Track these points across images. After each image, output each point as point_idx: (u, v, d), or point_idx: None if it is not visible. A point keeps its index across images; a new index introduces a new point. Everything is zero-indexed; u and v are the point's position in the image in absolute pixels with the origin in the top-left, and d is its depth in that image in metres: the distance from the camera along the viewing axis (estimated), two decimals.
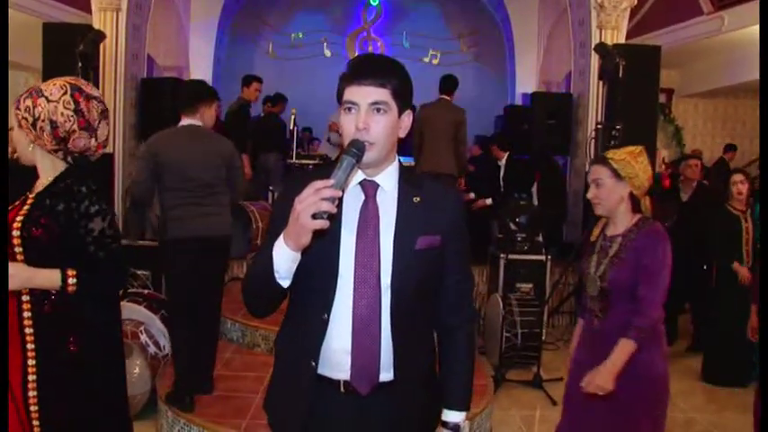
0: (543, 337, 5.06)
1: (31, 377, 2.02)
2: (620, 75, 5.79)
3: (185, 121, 3.94)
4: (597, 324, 2.62)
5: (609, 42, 6.43)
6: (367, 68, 1.63)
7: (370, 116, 1.60)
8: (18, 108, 2.03)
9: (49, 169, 2.11)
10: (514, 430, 4.19)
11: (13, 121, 2.06)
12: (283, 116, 8.34)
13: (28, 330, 2.03)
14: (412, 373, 1.71)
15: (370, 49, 11.57)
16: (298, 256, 1.52)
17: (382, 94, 1.60)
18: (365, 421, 1.70)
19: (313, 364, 1.66)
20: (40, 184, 2.11)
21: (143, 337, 4.16)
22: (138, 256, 5.50)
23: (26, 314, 2.03)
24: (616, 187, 2.54)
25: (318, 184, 1.42)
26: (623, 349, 2.45)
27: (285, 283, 1.57)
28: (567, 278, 5.67)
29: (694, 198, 5.98)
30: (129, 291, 4.68)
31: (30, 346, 2.03)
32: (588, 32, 6.95)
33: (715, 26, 8.30)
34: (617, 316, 2.53)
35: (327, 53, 11.69)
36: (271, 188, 7.56)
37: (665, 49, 6.23)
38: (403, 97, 1.64)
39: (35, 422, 2.03)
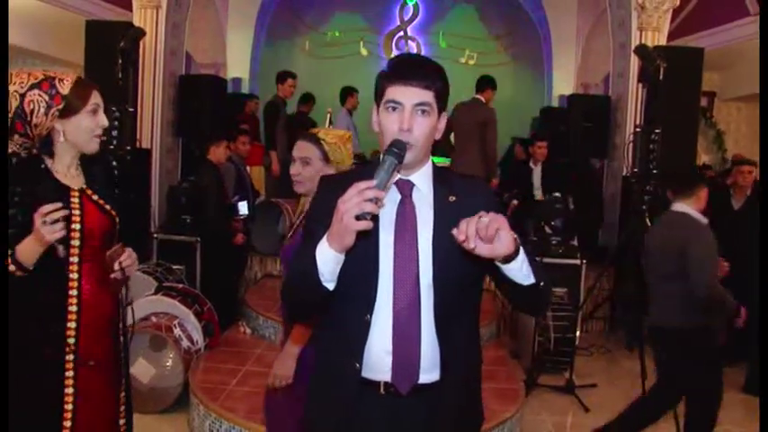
0: (576, 343, 4.99)
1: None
2: (661, 77, 5.68)
3: None
4: None
5: (650, 44, 6.32)
6: (413, 69, 1.62)
7: (414, 117, 1.59)
8: None
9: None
10: None
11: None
12: (316, 115, 8.35)
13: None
14: (454, 373, 1.69)
15: (407, 48, 11.55)
16: (341, 257, 1.52)
17: (427, 95, 1.60)
18: (404, 422, 1.69)
19: (357, 365, 1.66)
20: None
21: (177, 331, 4.21)
22: (173, 251, 5.57)
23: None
24: (323, 169, 2.46)
25: (361, 184, 1.42)
26: None
27: (330, 286, 1.56)
28: (602, 283, 5.58)
29: (747, 206, 5.64)
30: (164, 285, 4.74)
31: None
32: (628, 34, 6.84)
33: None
34: None
35: (364, 52, 11.70)
36: None
37: (708, 51, 6.10)
38: (443, 100, 1.65)
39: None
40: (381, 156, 1.57)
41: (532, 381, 4.70)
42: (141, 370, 4.05)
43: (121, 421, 2.17)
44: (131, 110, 6.04)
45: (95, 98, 2.03)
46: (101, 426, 2.06)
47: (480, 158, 6.43)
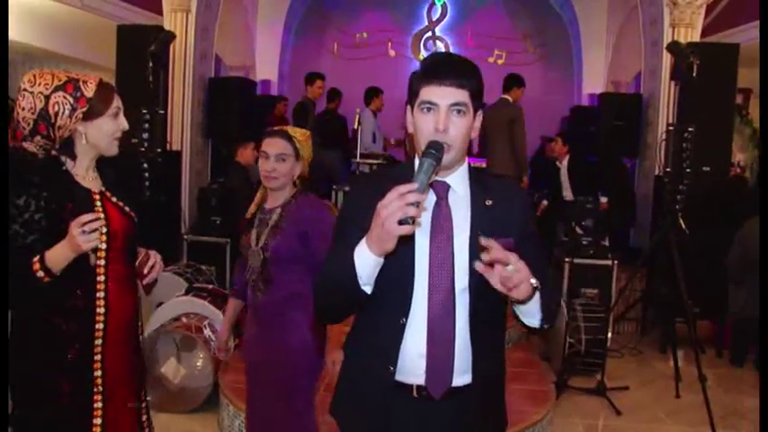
0: (608, 344, 4.92)
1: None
2: (695, 74, 5.57)
3: None
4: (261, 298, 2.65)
5: (682, 41, 6.21)
6: (448, 69, 1.60)
7: (450, 118, 1.57)
8: None
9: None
10: None
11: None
12: (345, 112, 8.35)
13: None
14: (485, 377, 1.69)
15: (435, 49, 11.51)
16: (381, 261, 1.50)
17: (462, 95, 1.58)
18: (434, 425, 1.68)
19: (391, 368, 1.65)
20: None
21: (207, 332, 4.22)
22: (203, 252, 5.62)
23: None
24: (294, 165, 2.62)
25: (402, 188, 1.39)
26: None
27: (368, 289, 1.55)
28: (634, 284, 5.50)
29: None
30: (194, 285, 4.78)
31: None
32: (660, 31, 6.74)
33: None
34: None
35: (392, 53, 11.69)
36: (334, 187, 7.59)
37: (744, 47, 5.97)
38: (478, 99, 1.62)
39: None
40: (418, 159, 1.55)
41: (563, 383, 4.64)
42: (171, 370, 4.08)
43: (144, 417, 2.21)
44: (162, 112, 6.11)
45: (117, 101, 2.03)
46: (125, 421, 2.09)
47: (510, 158, 6.38)
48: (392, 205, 1.38)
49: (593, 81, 10.58)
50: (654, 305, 5.91)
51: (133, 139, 5.83)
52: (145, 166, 5.90)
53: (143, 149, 5.90)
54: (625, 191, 7.08)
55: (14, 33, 7.77)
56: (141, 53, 5.94)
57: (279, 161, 2.58)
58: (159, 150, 6.06)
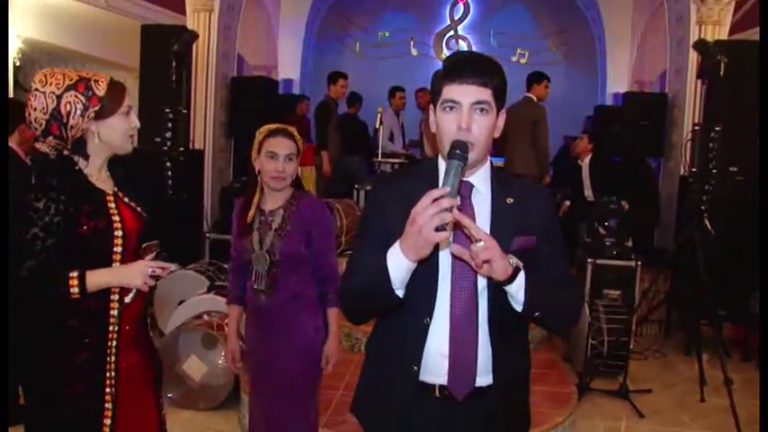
0: (631, 346, 4.87)
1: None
2: (722, 73, 5.49)
3: None
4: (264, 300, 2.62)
5: (709, 38, 6.12)
6: (470, 67, 1.58)
7: (472, 116, 1.56)
8: None
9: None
10: None
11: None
12: (365, 114, 8.34)
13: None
14: (508, 377, 1.68)
15: (457, 48, 11.48)
16: (414, 265, 1.49)
17: (484, 93, 1.56)
18: (458, 426, 1.67)
19: (415, 368, 1.64)
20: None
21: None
22: (225, 250, 5.64)
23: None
24: (296, 166, 2.61)
25: (434, 193, 1.38)
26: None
27: (401, 293, 1.54)
28: (657, 285, 5.43)
29: None
30: (216, 284, 4.80)
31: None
32: (687, 28, 6.66)
33: None
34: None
35: (414, 52, 11.68)
36: (356, 186, 7.60)
37: None
38: (502, 97, 1.61)
39: None
40: (442, 159, 1.55)
41: (585, 384, 4.60)
42: (193, 368, 4.11)
43: (163, 412, 2.23)
44: (185, 111, 6.15)
45: (128, 99, 2.03)
46: (140, 424, 2.11)
47: (531, 157, 6.33)
48: (427, 212, 1.38)
49: (618, 80, 10.50)
50: (678, 307, 5.84)
51: (156, 138, 5.87)
52: (168, 164, 5.94)
53: (166, 148, 5.94)
54: (649, 191, 7.00)
55: (39, 33, 7.87)
56: (165, 53, 5.98)
57: (287, 161, 2.56)
58: (182, 149, 6.10)
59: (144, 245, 2.08)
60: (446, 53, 11.32)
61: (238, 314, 2.80)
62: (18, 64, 7.27)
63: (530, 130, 6.28)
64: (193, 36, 6.30)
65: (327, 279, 2.65)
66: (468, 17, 11.66)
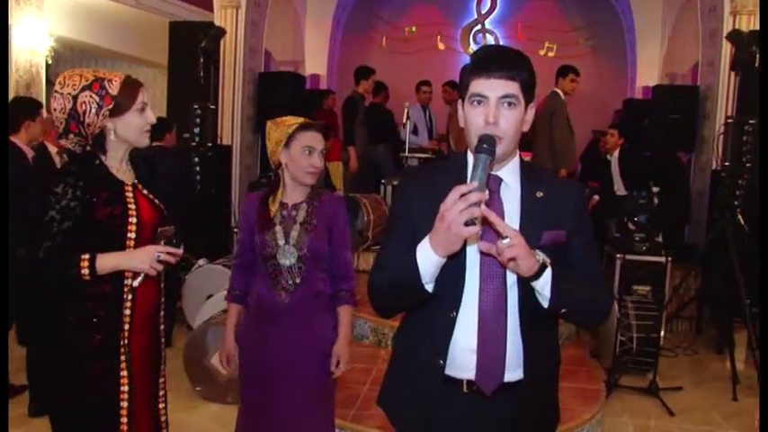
0: (661, 343, 4.80)
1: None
2: (756, 64, 5.37)
3: None
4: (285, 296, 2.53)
5: (744, 29, 5.99)
6: (497, 61, 1.57)
7: (500, 110, 1.55)
8: None
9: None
10: None
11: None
12: (393, 106, 8.32)
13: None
14: (537, 373, 1.67)
15: (484, 42, 11.39)
16: (444, 260, 1.49)
17: (512, 87, 1.56)
18: (486, 422, 1.67)
19: (441, 362, 1.64)
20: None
21: None
22: None
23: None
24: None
25: (462, 188, 1.39)
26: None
27: (430, 288, 1.54)
28: (688, 282, 5.35)
29: None
30: None
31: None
32: (720, 19, 6.53)
33: None
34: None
35: (441, 46, 11.62)
36: (383, 181, 7.59)
37: None
38: (530, 91, 1.60)
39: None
40: (471, 154, 1.54)
41: (614, 381, 4.55)
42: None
43: (161, 404, 2.27)
44: (212, 107, 6.20)
45: (142, 96, 2.11)
46: (144, 408, 2.17)
47: (549, 150, 6.22)
48: (456, 207, 1.38)
49: (647, 73, 10.33)
50: (710, 304, 5.75)
51: (185, 134, 5.93)
52: (196, 160, 5.99)
53: (194, 144, 6.00)
54: (680, 186, 6.90)
55: (70, 31, 7.98)
56: (193, 49, 6.04)
57: (320, 156, 2.54)
58: (210, 145, 6.15)
59: (159, 229, 2.13)
60: (473, 47, 11.24)
61: (236, 313, 2.69)
62: (50, 62, 7.38)
63: (548, 123, 6.19)
64: (221, 32, 6.34)
65: (343, 276, 2.62)
66: (495, 11, 11.56)
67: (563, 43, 11.28)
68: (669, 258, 5.25)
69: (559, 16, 11.45)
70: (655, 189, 5.65)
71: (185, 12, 8.32)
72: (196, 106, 5.99)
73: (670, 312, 5.44)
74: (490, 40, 11.51)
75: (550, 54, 11.17)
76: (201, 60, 6.05)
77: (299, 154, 2.50)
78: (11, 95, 7.03)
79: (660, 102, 7.23)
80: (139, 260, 2.00)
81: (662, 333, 4.89)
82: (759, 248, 4.12)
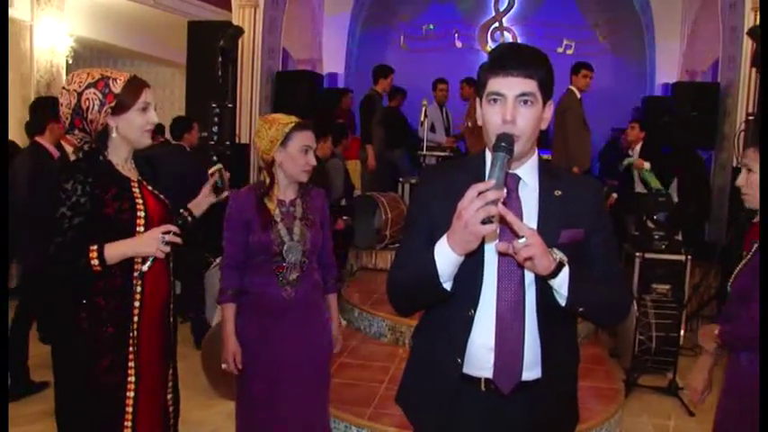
0: (680, 342, 4.76)
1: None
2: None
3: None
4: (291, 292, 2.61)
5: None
6: (514, 59, 1.57)
7: (517, 108, 1.55)
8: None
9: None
10: None
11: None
12: (409, 107, 8.30)
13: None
14: (555, 372, 1.66)
15: (502, 40, 11.34)
16: (462, 258, 1.50)
17: (529, 85, 1.55)
18: (504, 421, 1.66)
19: (459, 360, 1.64)
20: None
21: None
22: None
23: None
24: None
25: (480, 186, 1.38)
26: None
27: (449, 286, 1.55)
28: (709, 280, 5.29)
29: None
30: None
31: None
32: (741, 15, 6.45)
33: None
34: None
35: (458, 44, 11.59)
36: (400, 179, 7.59)
37: None
38: (548, 89, 1.59)
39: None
40: (489, 152, 1.54)
41: (633, 381, 4.52)
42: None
43: (169, 396, 2.30)
44: (230, 106, 6.23)
45: (146, 96, 2.14)
46: (151, 400, 2.21)
47: (562, 147, 6.16)
48: (473, 206, 1.38)
49: (667, 70, 10.24)
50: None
51: (203, 133, 5.97)
52: (214, 158, 6.03)
53: (212, 143, 6.03)
54: (700, 183, 6.83)
55: (89, 31, 8.06)
56: (211, 48, 6.08)
57: (311, 154, 2.62)
58: (228, 143, 6.19)
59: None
60: (491, 45, 11.20)
61: (232, 313, 2.66)
62: (70, 62, 7.46)
63: (561, 120, 6.13)
64: (239, 32, 6.38)
65: (329, 266, 2.78)
66: (513, 8, 11.52)
67: (581, 41, 11.22)
68: (689, 256, 5.20)
69: (578, 13, 11.38)
70: (673, 185, 5.59)
71: (204, 11, 8.38)
72: (214, 105, 6.03)
73: (690, 311, 5.39)
74: (508, 37, 11.47)
75: (569, 52, 11.10)
76: (220, 59, 6.09)
77: (297, 153, 2.56)
78: (31, 95, 7.13)
79: (680, 99, 7.19)
80: (146, 244, 2.03)
81: (681, 332, 4.84)
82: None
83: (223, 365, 2.68)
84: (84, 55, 8.53)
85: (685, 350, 5.09)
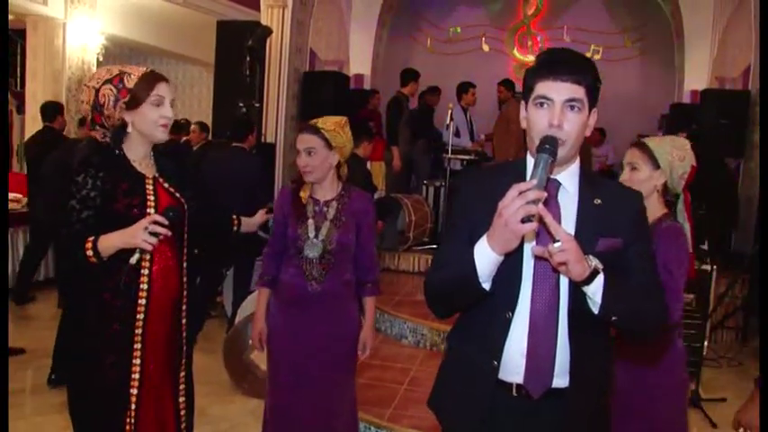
0: (704, 353, 4.71)
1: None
2: None
3: None
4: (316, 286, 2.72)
5: None
6: (564, 64, 1.58)
7: (564, 113, 1.55)
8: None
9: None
10: None
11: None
12: (438, 107, 8.30)
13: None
14: (587, 380, 1.65)
15: (530, 44, 11.28)
16: (501, 258, 1.51)
17: (578, 91, 1.56)
18: (533, 426, 1.66)
19: (495, 363, 1.64)
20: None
21: None
22: None
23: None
24: (328, 155, 2.71)
25: (521, 186, 1.40)
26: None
27: (487, 286, 1.55)
28: (734, 291, 5.23)
29: None
30: None
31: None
32: None
33: None
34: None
35: (485, 48, 11.54)
36: (425, 182, 7.59)
37: None
38: (595, 95, 1.60)
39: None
40: (530, 156, 1.55)
41: None
42: (260, 357, 4.19)
43: (181, 399, 2.30)
44: (257, 105, 6.28)
45: (160, 90, 2.15)
46: (157, 397, 2.21)
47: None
48: (513, 204, 1.39)
49: (696, 77, 10.10)
50: (757, 314, 5.61)
51: (229, 132, 6.02)
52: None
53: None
54: (728, 192, 6.75)
55: (120, 30, 8.17)
56: (239, 48, 6.13)
57: (308, 155, 2.71)
58: (255, 143, 6.23)
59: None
60: (518, 49, 11.17)
61: (266, 296, 2.87)
62: (101, 59, 7.58)
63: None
64: (267, 32, 6.43)
65: (368, 268, 2.84)
66: (542, 13, 11.46)
67: (610, 45, 11.12)
68: (715, 266, 5.15)
69: (606, 18, 11.29)
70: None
71: (233, 11, 8.46)
72: (241, 104, 6.07)
73: (715, 321, 5.33)
74: (536, 42, 11.40)
75: (596, 56, 10.99)
76: (247, 59, 6.14)
77: (297, 156, 2.77)
78: (63, 91, 7.25)
79: (709, 106, 7.10)
80: (131, 235, 2.00)
81: (705, 343, 4.79)
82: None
83: (249, 342, 2.81)
84: (115, 53, 8.66)
85: (709, 361, 5.04)
